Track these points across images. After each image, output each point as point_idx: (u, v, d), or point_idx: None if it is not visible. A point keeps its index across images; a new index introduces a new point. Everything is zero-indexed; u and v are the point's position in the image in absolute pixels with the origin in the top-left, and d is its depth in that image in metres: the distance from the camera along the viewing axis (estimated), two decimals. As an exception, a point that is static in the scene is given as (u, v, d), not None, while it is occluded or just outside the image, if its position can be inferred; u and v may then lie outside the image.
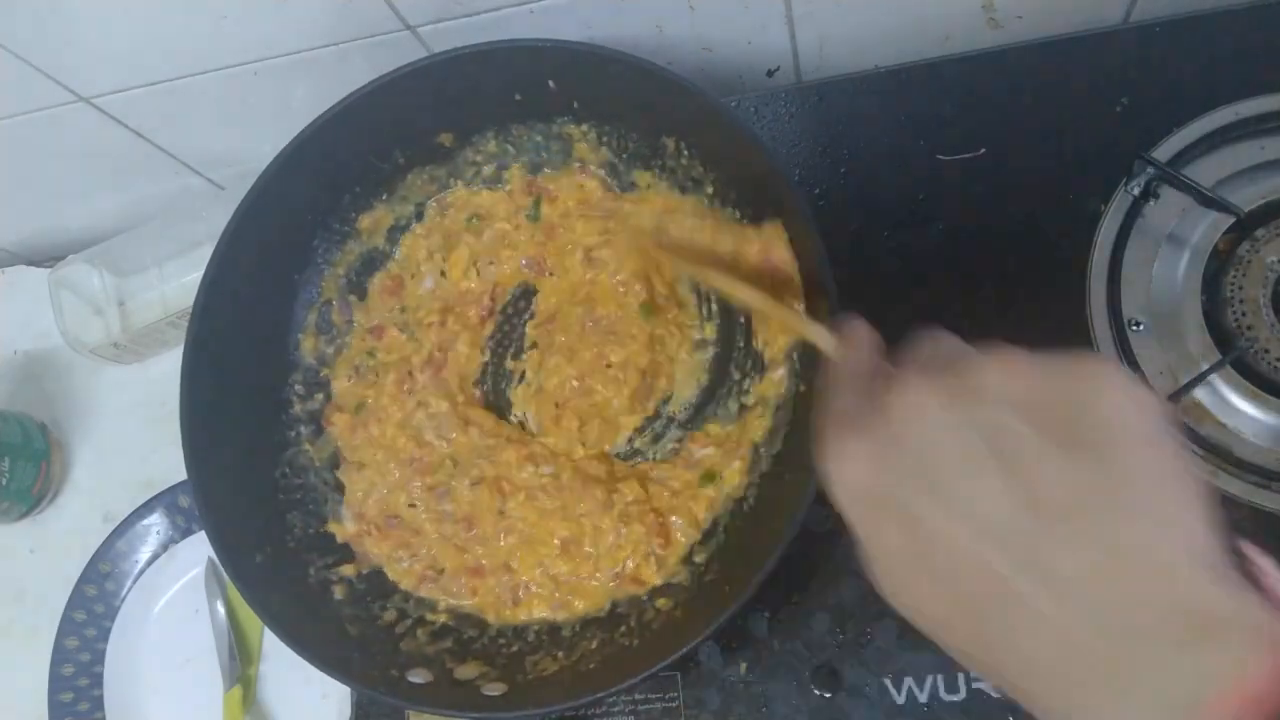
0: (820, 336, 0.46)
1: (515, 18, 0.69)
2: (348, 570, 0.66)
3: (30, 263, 0.94)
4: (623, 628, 0.62)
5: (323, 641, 0.61)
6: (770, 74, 0.80)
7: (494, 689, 0.59)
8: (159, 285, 0.81)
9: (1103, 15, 0.73)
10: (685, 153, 0.67)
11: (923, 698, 0.60)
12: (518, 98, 0.68)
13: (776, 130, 0.73)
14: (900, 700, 0.60)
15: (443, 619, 0.65)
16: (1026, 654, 0.30)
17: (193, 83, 0.73)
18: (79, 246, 0.83)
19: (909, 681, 0.61)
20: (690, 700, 0.63)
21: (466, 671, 0.61)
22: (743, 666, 0.63)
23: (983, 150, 0.69)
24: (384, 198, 0.72)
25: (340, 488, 0.69)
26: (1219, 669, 0.27)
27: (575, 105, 0.68)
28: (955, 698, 0.60)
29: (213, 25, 0.68)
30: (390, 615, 0.65)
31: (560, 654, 0.62)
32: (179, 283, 0.80)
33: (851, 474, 0.34)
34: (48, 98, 0.73)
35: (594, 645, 0.62)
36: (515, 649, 0.63)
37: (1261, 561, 0.31)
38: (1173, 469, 0.30)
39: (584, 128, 0.69)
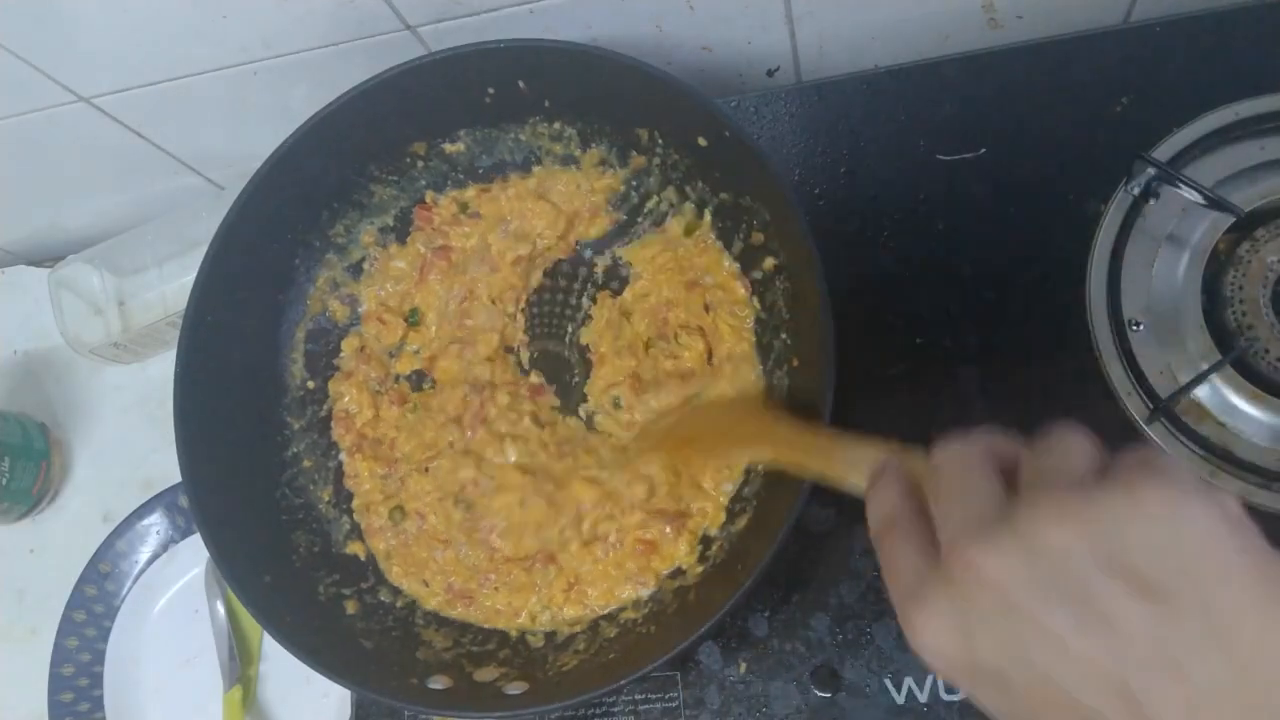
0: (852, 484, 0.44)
1: (515, 18, 0.69)
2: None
3: (30, 263, 0.94)
4: (638, 617, 0.62)
5: (339, 656, 0.61)
6: (770, 74, 0.80)
7: (515, 688, 0.59)
8: (159, 285, 0.81)
9: (1103, 15, 0.73)
10: (659, 142, 0.67)
11: (923, 698, 0.60)
12: (488, 100, 0.68)
13: (776, 130, 0.73)
14: (900, 700, 0.60)
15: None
16: None
17: (193, 83, 0.73)
18: (79, 246, 0.83)
19: (909, 681, 0.61)
20: (690, 700, 0.63)
21: (486, 674, 0.61)
22: (743, 666, 0.63)
23: (983, 150, 0.69)
24: (361, 211, 0.72)
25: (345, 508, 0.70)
26: None
27: (547, 104, 0.68)
28: (955, 697, 0.60)
29: (212, 25, 0.68)
30: (400, 610, 0.66)
31: (580, 647, 0.62)
32: (179, 283, 0.80)
33: (936, 648, 0.34)
34: (48, 98, 0.73)
35: (613, 635, 0.62)
36: (535, 647, 0.64)
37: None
38: (1252, 600, 0.30)
39: (556, 125, 0.69)
